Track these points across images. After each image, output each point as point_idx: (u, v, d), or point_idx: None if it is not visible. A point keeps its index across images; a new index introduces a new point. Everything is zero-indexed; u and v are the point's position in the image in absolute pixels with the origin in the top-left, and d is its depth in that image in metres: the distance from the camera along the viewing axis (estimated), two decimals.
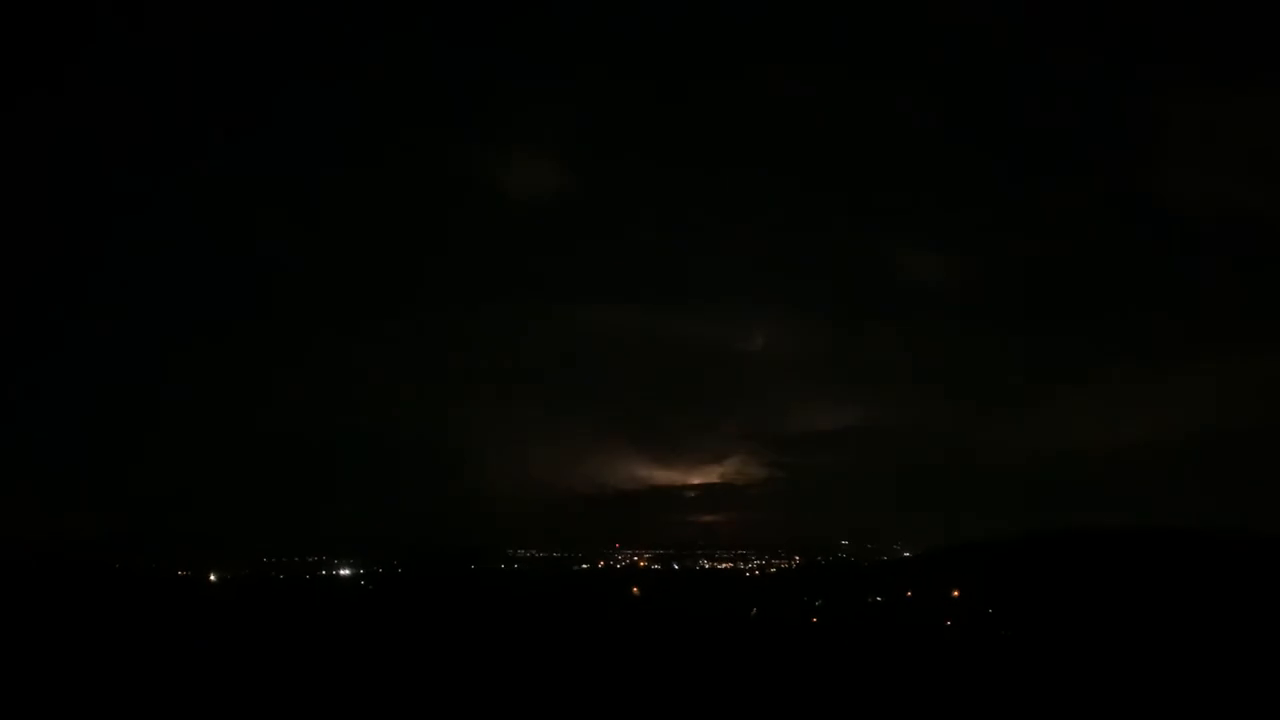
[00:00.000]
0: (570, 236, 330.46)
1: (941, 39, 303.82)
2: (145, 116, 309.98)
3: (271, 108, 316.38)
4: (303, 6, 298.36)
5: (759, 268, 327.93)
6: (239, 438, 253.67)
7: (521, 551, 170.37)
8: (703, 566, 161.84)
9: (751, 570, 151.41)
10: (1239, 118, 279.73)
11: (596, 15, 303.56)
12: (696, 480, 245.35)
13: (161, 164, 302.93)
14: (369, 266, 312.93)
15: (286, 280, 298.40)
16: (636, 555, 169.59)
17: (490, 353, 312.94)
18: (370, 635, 61.67)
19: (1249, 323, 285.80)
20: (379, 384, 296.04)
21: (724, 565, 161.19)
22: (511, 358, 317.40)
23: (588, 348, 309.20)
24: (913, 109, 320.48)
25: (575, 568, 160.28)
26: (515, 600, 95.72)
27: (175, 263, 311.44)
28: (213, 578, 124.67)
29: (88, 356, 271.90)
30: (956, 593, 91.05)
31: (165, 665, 45.30)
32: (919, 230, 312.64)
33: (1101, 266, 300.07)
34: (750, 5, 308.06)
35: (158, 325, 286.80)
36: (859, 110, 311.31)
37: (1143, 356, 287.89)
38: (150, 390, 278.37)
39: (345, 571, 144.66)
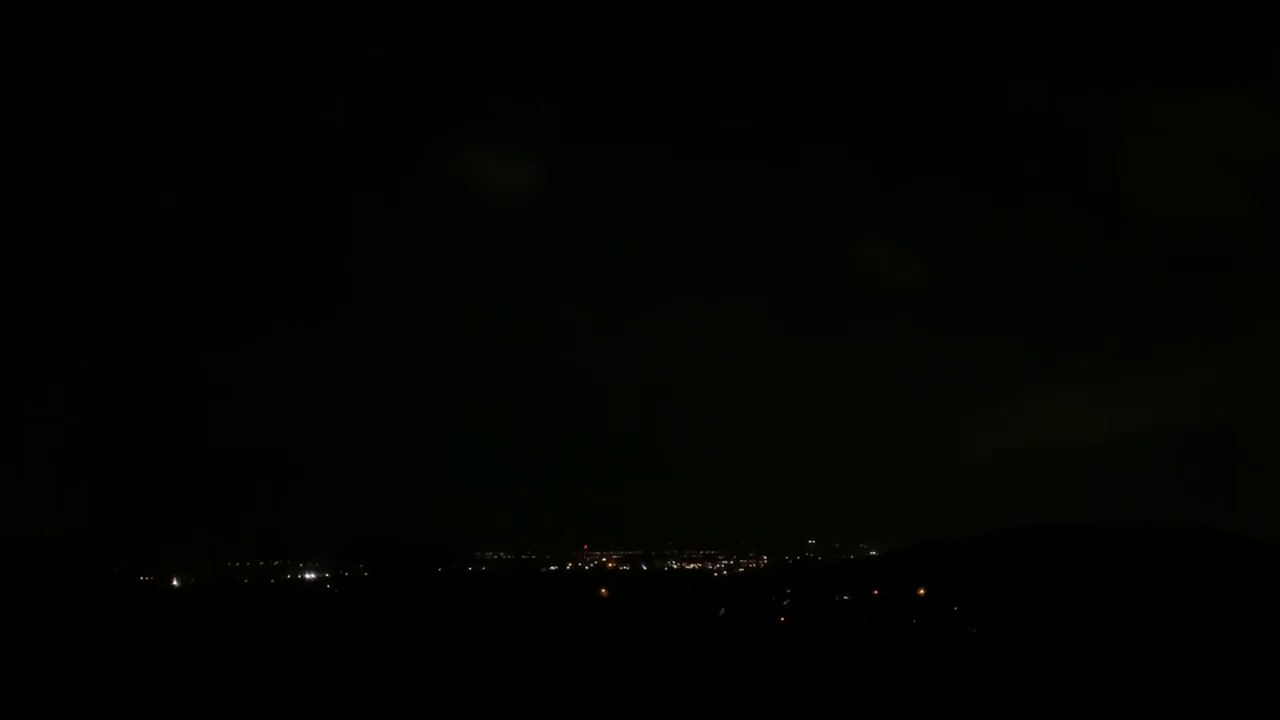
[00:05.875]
0: (550, 239, 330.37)
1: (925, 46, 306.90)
2: (144, 120, 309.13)
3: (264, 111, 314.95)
4: (301, 12, 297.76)
5: (737, 265, 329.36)
6: (202, 443, 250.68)
7: (489, 554, 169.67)
8: (671, 567, 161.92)
9: (719, 570, 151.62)
10: (1206, 123, 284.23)
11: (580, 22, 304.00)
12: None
13: (159, 167, 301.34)
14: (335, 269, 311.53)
15: (265, 285, 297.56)
16: (605, 556, 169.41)
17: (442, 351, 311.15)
18: (334, 641, 61.05)
19: (1220, 323, 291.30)
20: (340, 388, 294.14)
21: (692, 565, 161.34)
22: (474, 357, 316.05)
23: (561, 348, 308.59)
24: (891, 113, 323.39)
25: (544, 569, 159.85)
26: (483, 604, 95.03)
27: (157, 264, 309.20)
28: (175, 582, 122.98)
29: (63, 362, 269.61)
30: (922, 591, 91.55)
31: (126, 673, 44.64)
32: (891, 232, 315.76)
33: (1072, 269, 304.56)
34: (739, 16, 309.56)
35: (122, 331, 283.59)
36: (837, 112, 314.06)
37: (1111, 356, 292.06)
38: (116, 395, 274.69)
39: (310, 575, 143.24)
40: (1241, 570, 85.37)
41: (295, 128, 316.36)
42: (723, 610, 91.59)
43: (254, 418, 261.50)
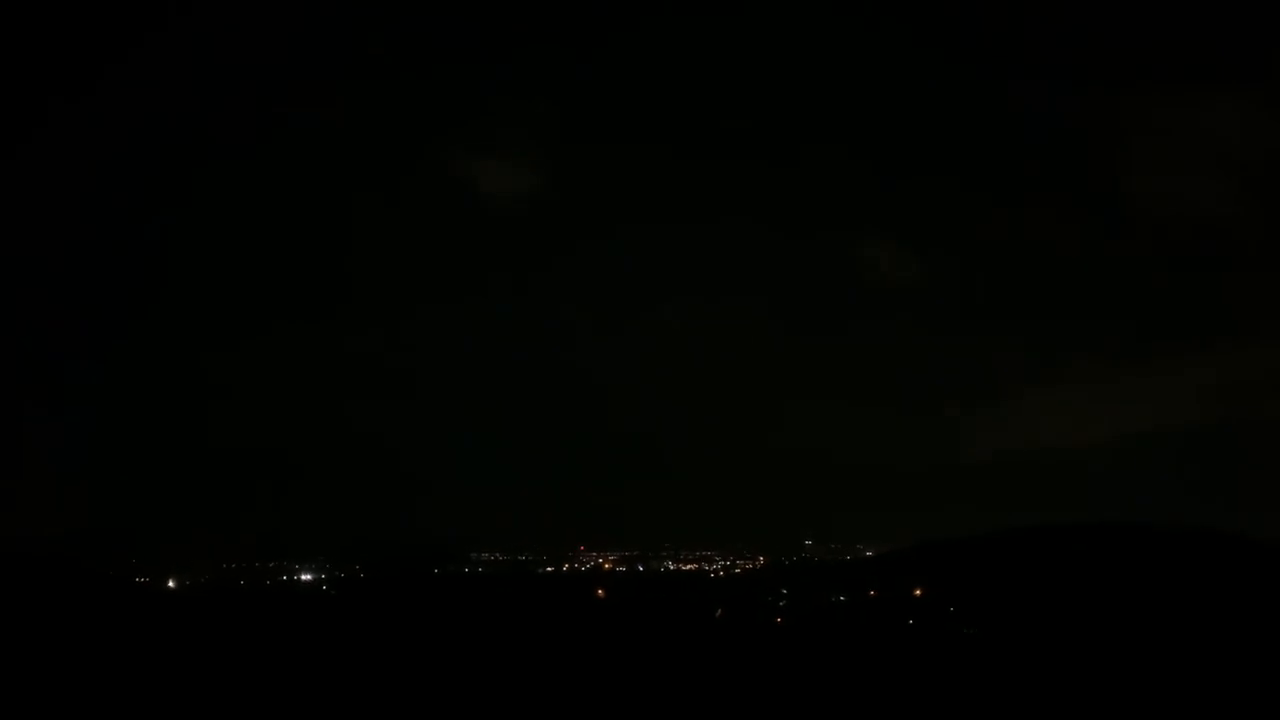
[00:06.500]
0: (548, 239, 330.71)
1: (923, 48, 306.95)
2: (144, 120, 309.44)
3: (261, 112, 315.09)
4: (301, 12, 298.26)
5: (737, 265, 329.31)
6: (202, 443, 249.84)
7: (485, 555, 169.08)
8: (668, 568, 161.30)
9: (716, 571, 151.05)
10: (1206, 123, 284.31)
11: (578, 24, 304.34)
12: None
13: (159, 167, 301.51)
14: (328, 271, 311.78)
15: (265, 285, 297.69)
16: (601, 557, 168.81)
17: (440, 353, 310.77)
18: (330, 642, 60.62)
19: (1220, 323, 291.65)
20: (340, 388, 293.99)
21: (689, 566, 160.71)
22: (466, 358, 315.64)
23: (561, 348, 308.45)
24: (891, 113, 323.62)
25: (540, 570, 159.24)
26: (479, 606, 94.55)
27: (157, 264, 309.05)
28: (172, 584, 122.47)
29: (63, 362, 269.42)
30: (919, 591, 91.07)
31: (111, 676, 44.17)
32: (891, 232, 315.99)
33: (1072, 269, 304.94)
34: (739, 16, 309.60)
35: (122, 331, 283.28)
36: (837, 112, 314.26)
37: (1111, 356, 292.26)
38: (116, 395, 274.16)
39: (307, 577, 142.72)
40: (1241, 570, 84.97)
41: (295, 128, 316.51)
42: (719, 611, 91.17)
43: (254, 418, 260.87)
